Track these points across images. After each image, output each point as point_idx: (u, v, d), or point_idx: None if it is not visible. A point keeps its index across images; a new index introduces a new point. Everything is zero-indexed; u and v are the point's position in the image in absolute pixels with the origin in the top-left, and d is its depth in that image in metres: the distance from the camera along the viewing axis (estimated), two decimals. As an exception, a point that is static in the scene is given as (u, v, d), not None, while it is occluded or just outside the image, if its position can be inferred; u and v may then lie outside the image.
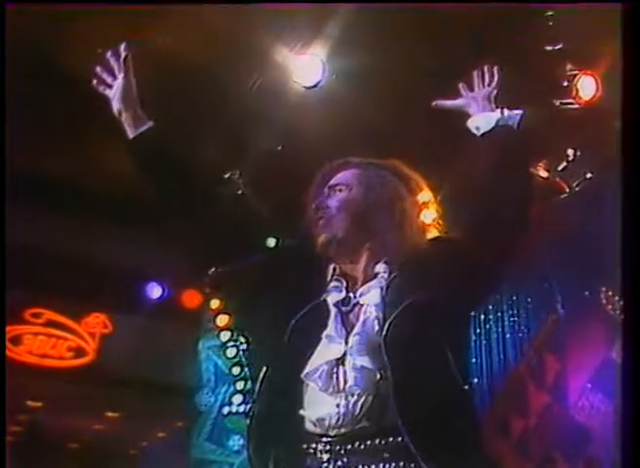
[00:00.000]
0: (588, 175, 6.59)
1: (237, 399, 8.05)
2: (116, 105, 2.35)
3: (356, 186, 2.23)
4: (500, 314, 7.64)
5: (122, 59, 2.34)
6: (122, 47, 2.34)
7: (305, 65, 5.76)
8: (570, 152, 6.34)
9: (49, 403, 9.71)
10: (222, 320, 7.89)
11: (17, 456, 8.11)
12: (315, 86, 5.82)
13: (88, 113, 6.14)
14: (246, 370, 7.73)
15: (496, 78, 2.41)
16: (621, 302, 6.89)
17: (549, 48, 5.31)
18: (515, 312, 7.79)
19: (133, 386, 8.85)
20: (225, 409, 8.58)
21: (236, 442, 8.84)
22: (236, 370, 7.88)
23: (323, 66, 5.75)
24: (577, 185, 6.54)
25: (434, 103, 2.50)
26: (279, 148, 6.64)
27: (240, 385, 7.90)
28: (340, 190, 2.24)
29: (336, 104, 5.94)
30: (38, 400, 9.75)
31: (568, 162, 6.34)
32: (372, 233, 2.18)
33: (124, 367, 8.79)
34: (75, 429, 11.20)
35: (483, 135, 2.27)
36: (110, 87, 2.37)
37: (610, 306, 7.20)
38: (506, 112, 2.27)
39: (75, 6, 4.86)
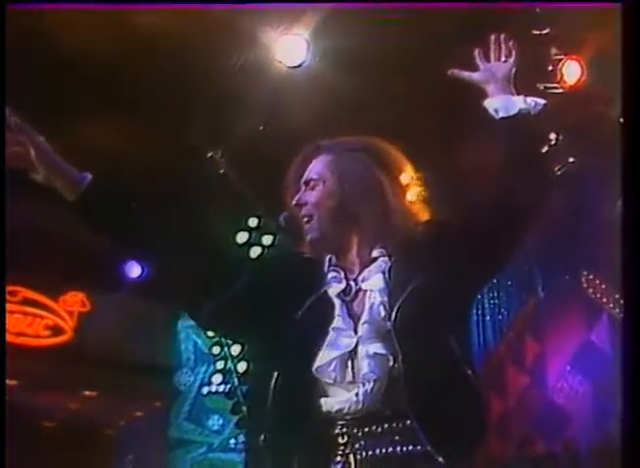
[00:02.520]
0: (571, 160, 6.62)
1: (217, 378, 8.01)
2: (41, 173, 2.04)
3: (330, 178, 2.16)
4: (480, 297, 7.67)
5: (13, 126, 2.01)
6: (7, 113, 2.02)
7: (290, 45, 5.70)
8: (552, 136, 6.34)
9: (25, 382, 9.63)
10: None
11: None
12: (299, 66, 5.77)
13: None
14: (226, 349, 7.70)
15: (514, 54, 2.30)
16: (605, 289, 7.04)
17: (536, 32, 5.31)
18: (495, 295, 7.87)
19: (111, 365, 8.79)
20: (205, 389, 8.57)
21: (216, 421, 8.84)
22: (216, 350, 7.84)
23: (307, 46, 5.69)
24: (559, 169, 6.57)
25: (450, 71, 2.39)
26: (260, 128, 6.60)
27: (220, 365, 7.87)
28: (316, 185, 2.17)
29: (320, 84, 5.91)
30: (14, 379, 9.66)
31: (550, 146, 6.35)
32: (357, 220, 2.13)
33: (102, 345, 8.74)
34: (52, 408, 11.11)
35: (502, 119, 2.20)
36: (24, 159, 2.03)
37: (590, 290, 7.28)
38: (530, 100, 2.21)
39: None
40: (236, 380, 7.72)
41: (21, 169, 2.04)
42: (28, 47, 4.93)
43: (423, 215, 2.19)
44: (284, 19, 5.64)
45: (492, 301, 7.88)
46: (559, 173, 6.54)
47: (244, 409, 7.67)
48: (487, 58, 2.30)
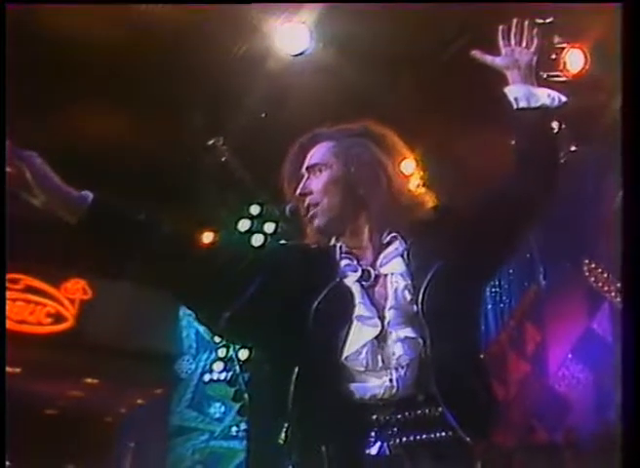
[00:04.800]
0: (573, 148, 6.61)
1: (218, 366, 8.00)
2: (39, 197, 1.93)
3: (335, 163, 2.14)
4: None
5: (7, 151, 1.90)
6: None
7: (292, 33, 5.69)
8: (554, 125, 6.31)
9: (27, 369, 9.66)
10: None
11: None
12: (301, 54, 5.76)
13: (87, 101, 6.21)
14: (228, 336, 7.68)
15: (535, 42, 2.32)
16: (607, 277, 7.04)
17: (540, 21, 5.29)
18: (497, 282, 7.87)
19: (112, 353, 8.82)
20: (206, 377, 8.57)
21: (217, 409, 8.88)
22: (218, 337, 7.83)
23: (310, 34, 5.68)
24: (561, 158, 6.54)
25: (473, 52, 2.39)
26: (262, 116, 6.59)
27: (222, 352, 7.86)
28: (320, 171, 2.14)
29: (322, 72, 5.90)
30: (16, 366, 9.69)
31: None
32: (364, 204, 2.12)
33: (103, 333, 8.77)
34: (53, 395, 11.17)
35: (519, 109, 2.22)
36: (20, 184, 1.92)
37: (592, 278, 7.29)
38: (553, 94, 2.22)
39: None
40: (238, 368, 7.72)
41: (19, 193, 1.93)
42: (30, 45, 4.95)
43: (427, 198, 2.20)
44: (286, 7, 5.63)
45: (493, 289, 7.89)
46: (561, 161, 6.51)
47: (246, 396, 7.68)
48: (508, 40, 2.30)
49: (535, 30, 2.31)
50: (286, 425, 1.98)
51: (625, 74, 2.16)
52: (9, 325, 8.80)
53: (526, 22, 2.32)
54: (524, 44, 2.30)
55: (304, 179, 2.16)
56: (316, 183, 2.14)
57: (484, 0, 5.05)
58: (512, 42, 2.31)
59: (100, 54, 5.61)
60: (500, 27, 2.33)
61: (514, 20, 2.31)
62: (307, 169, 2.17)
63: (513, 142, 2.23)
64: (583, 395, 7.18)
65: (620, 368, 1.94)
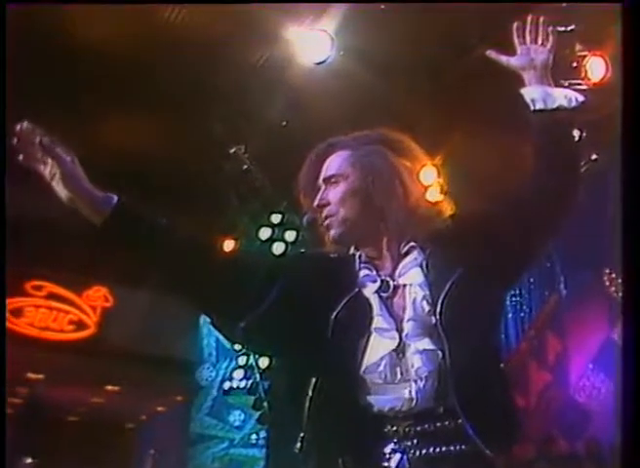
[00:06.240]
0: (594, 157, 6.58)
1: (238, 374, 8.00)
2: (64, 195, 1.93)
3: (352, 173, 2.10)
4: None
5: (39, 145, 1.92)
6: (33, 132, 1.93)
7: (314, 41, 5.71)
8: (575, 133, 6.29)
9: (49, 375, 9.73)
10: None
11: (16, 428, 8.14)
12: (323, 62, 5.78)
13: (109, 110, 6.26)
14: (248, 344, 7.69)
15: (551, 40, 2.22)
16: (622, 282, 6.97)
17: (561, 29, 5.28)
18: (517, 292, 7.83)
19: (133, 360, 8.88)
20: (226, 385, 8.57)
21: (237, 417, 8.88)
22: (238, 345, 7.82)
23: (332, 42, 5.70)
24: (582, 167, 6.52)
25: (488, 52, 2.33)
26: (284, 124, 6.62)
27: (242, 360, 7.87)
28: (337, 182, 2.11)
29: (344, 80, 5.92)
30: (38, 372, 9.77)
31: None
32: (382, 214, 2.08)
33: (124, 340, 8.82)
34: (74, 402, 11.23)
35: (536, 111, 2.14)
36: (48, 178, 1.95)
37: (612, 287, 7.25)
38: (570, 95, 2.14)
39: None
40: (258, 376, 7.73)
41: (45, 188, 1.94)
42: (44, 46, 5.00)
43: (445, 206, 2.17)
44: (308, 16, 5.66)
45: (513, 298, 7.85)
46: (582, 170, 6.48)
47: (265, 404, 7.69)
48: (523, 38, 2.25)
49: (550, 28, 2.26)
50: (302, 434, 1.96)
51: (626, 74, 2.15)
52: (32, 332, 8.89)
53: (541, 19, 2.27)
54: (540, 42, 2.22)
55: (322, 191, 2.14)
56: (333, 194, 2.12)
57: (498, 0, 5.04)
58: (527, 40, 2.22)
59: (121, 63, 5.65)
60: (515, 25, 2.24)
61: (529, 17, 2.27)
62: (324, 180, 2.15)
63: (532, 149, 2.20)
64: (604, 405, 7.12)
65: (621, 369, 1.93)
